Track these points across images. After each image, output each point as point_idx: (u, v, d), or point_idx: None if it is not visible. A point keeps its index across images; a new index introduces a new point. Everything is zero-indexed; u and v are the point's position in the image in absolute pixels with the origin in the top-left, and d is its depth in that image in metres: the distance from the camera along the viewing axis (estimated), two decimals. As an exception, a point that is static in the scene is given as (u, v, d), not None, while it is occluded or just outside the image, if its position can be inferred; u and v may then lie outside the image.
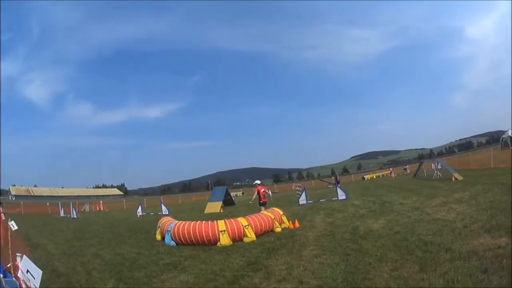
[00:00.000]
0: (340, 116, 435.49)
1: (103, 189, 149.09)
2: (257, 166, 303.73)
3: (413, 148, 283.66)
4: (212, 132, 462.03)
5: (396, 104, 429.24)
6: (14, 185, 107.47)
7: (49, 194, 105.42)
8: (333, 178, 43.02)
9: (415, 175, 32.62)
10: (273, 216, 10.48)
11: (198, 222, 9.50)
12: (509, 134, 43.62)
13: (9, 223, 7.51)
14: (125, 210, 38.01)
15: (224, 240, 8.82)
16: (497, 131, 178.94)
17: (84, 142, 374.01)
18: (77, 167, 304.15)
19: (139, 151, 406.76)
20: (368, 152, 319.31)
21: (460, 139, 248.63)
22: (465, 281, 3.89)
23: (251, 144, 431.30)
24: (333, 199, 18.59)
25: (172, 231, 9.65)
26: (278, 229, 10.17)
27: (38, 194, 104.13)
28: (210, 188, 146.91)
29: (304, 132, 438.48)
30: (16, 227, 7.61)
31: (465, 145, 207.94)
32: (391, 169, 62.73)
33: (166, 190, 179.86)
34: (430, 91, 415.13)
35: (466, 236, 6.05)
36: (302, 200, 18.89)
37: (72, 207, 26.23)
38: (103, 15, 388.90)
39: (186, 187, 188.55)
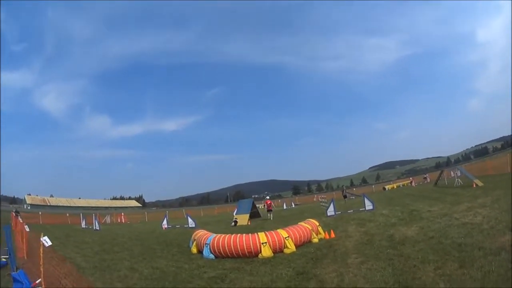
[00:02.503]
0: (358, 126, 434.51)
1: (121, 200, 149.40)
2: (276, 179, 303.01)
3: (430, 156, 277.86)
4: (231, 145, 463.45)
5: (412, 112, 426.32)
6: (30, 194, 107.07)
7: (66, 205, 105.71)
8: (342, 192, 42.95)
9: (436, 183, 32.43)
10: (311, 227, 10.94)
11: (238, 234, 9.53)
12: None
13: (41, 239, 7.04)
14: (147, 222, 37.41)
15: (266, 252, 8.91)
16: None
17: (102, 154, 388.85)
18: (95, 179, 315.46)
19: (157, 164, 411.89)
20: (386, 162, 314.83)
21: (475, 146, 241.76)
22: (498, 271, 4.62)
23: (270, 157, 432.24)
24: (360, 209, 18.94)
25: (211, 244, 9.62)
26: (316, 240, 10.56)
27: (54, 204, 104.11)
28: (229, 201, 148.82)
29: (322, 143, 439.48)
30: (49, 243, 7.13)
31: (481, 151, 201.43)
32: (411, 178, 62.21)
33: (184, 202, 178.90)
34: (444, 98, 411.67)
35: (494, 235, 6.65)
36: (331, 211, 19.28)
37: (95, 218, 25.57)
38: (121, 28, 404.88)
39: (205, 199, 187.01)
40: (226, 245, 9.33)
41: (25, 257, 9.89)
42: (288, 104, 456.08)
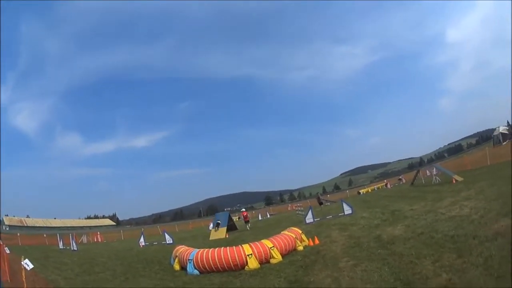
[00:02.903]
0: (327, 133, 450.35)
1: (95, 219, 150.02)
2: (247, 190, 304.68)
3: (402, 158, 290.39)
4: (200, 159, 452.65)
5: (383, 117, 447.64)
6: (7, 215, 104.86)
7: (43, 225, 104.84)
8: (316, 199, 43.61)
9: (412, 183, 33.61)
10: (294, 235, 10.93)
11: (222, 248, 9.57)
12: (500, 130, 45.80)
13: (22, 263, 7.24)
14: (124, 241, 38.18)
15: (252, 263, 8.91)
16: (486, 130, 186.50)
17: (74, 173, 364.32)
18: (68, 198, 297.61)
19: (129, 181, 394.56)
20: (358, 167, 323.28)
21: (448, 144, 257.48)
22: (499, 255, 4.78)
23: (240, 169, 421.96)
24: (339, 214, 19.16)
25: (194, 259, 9.60)
26: (300, 248, 10.61)
27: (31, 225, 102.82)
28: (202, 215, 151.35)
29: (293, 152, 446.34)
30: (31, 266, 7.30)
31: (455, 149, 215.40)
32: (385, 181, 63.82)
33: (158, 219, 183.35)
34: (414, 100, 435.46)
35: (486, 224, 7.00)
36: (309, 218, 19.30)
37: (72, 239, 25.74)
38: (92, 44, 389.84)
39: (178, 215, 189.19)
40: (210, 260, 9.27)
41: (9, 280, 9.96)
42: (257, 116, 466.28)
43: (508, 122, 47.61)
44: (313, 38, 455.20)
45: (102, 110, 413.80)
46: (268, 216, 47.26)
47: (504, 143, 42.23)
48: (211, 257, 9.29)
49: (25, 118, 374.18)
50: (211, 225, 37.46)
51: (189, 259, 9.78)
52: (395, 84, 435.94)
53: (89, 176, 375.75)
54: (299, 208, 31.66)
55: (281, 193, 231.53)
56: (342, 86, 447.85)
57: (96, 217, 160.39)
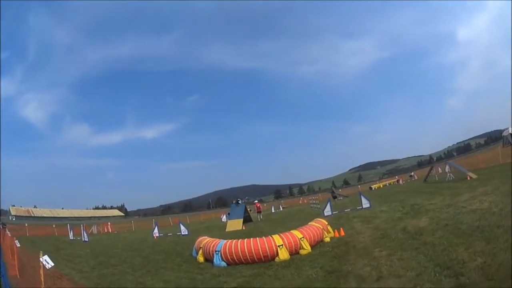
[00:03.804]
0: (336, 129, 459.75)
1: (103, 210, 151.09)
2: (257, 184, 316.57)
3: (411, 155, 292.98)
4: (209, 152, 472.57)
5: (392, 113, 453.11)
6: (14, 206, 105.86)
7: (50, 215, 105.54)
8: (330, 192, 45.02)
9: (425, 180, 34.23)
10: (322, 227, 11.50)
11: (251, 239, 9.51)
12: (510, 131, 46.37)
13: (41, 259, 6.69)
14: (134, 231, 37.93)
15: (283, 254, 8.95)
16: (495, 130, 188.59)
17: (82, 164, 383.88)
18: (76, 188, 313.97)
19: (137, 172, 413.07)
20: (366, 163, 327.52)
21: (457, 143, 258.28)
22: None
23: (250, 162, 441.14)
24: (357, 208, 19.94)
25: (222, 250, 9.48)
26: (327, 239, 11.06)
27: (39, 215, 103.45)
28: (211, 207, 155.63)
29: (302, 147, 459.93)
30: (51, 264, 6.89)
31: (463, 148, 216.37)
32: (397, 177, 64.71)
33: (166, 210, 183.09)
34: (425, 98, 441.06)
35: (507, 215, 7.70)
36: (327, 211, 20.13)
37: (83, 229, 25.88)
38: (101, 35, 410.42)
39: (187, 206, 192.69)
40: (240, 251, 9.21)
41: (18, 276, 9.50)
42: (266, 110, 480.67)
43: None
44: (323, 33, 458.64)
45: (111, 101, 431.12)
46: (281, 209, 48.03)
47: None
48: (240, 248, 9.19)
49: (33, 108, 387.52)
50: (224, 216, 38.58)
51: (216, 251, 9.66)
52: (404, 81, 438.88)
53: (97, 167, 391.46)
54: (313, 201, 32.65)
55: (290, 187, 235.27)
56: (352, 82, 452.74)
57: (104, 207, 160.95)
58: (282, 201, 75.08)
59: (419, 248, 7.34)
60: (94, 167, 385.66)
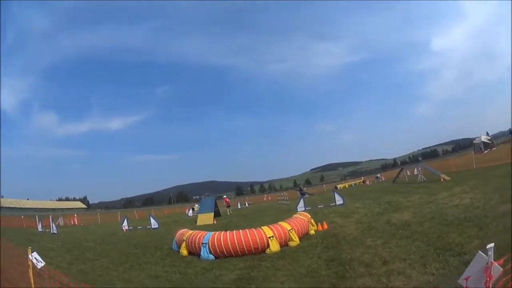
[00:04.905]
0: (300, 128, 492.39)
1: (67, 202, 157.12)
2: (217, 180, 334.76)
3: (374, 158, 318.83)
4: (172, 145, 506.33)
5: (357, 116, 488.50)
6: None
7: (15, 206, 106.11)
8: (298, 189, 47.81)
9: (394, 180, 37.06)
10: (307, 220, 12.39)
11: (241, 230, 9.94)
12: (482, 139, 51.57)
13: (30, 256, 6.39)
14: (102, 224, 39.20)
15: (274, 246, 9.49)
16: (464, 138, 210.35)
17: (48, 153, 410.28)
18: (40, 178, 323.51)
19: (99, 164, 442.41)
20: (328, 164, 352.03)
21: (423, 148, 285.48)
22: None
23: (212, 158, 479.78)
24: (331, 204, 21.36)
25: (210, 243, 9.79)
26: (312, 232, 12.00)
27: (5, 206, 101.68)
28: (172, 202, 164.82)
29: (264, 144, 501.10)
30: (42, 263, 6.50)
31: (430, 154, 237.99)
32: (362, 177, 68.58)
33: (128, 203, 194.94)
34: (393, 102, 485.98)
35: (492, 208, 9.19)
36: (301, 207, 21.41)
37: (52, 221, 26.69)
38: (74, 23, 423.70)
39: (149, 200, 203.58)
40: (229, 243, 9.57)
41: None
42: (233, 105, 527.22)
43: (487, 133, 54.71)
44: (295, 33, 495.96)
45: (78, 90, 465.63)
46: (247, 205, 50.42)
47: (486, 151, 48.30)
48: (230, 240, 9.55)
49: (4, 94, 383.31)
50: (190, 211, 41.37)
51: (203, 243, 9.92)
52: (373, 85, 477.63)
53: (61, 157, 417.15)
54: (282, 198, 34.12)
55: (251, 184, 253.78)
56: (320, 82, 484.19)
57: (67, 199, 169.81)
58: (246, 197, 77.18)
59: (412, 236, 8.45)
60: (58, 156, 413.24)
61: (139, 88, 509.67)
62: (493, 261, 2.83)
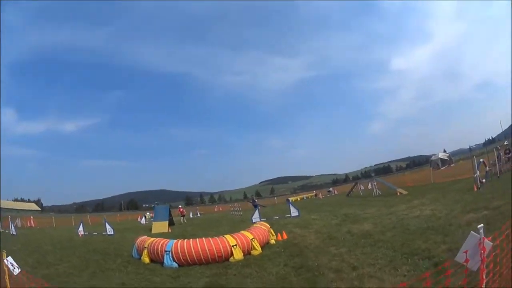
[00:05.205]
0: (251, 141, 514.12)
1: (22, 203, 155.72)
2: (166, 189, 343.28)
3: (325, 173, 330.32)
4: (123, 152, 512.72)
5: (308, 131, 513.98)
6: None
7: None
8: (250, 201, 48.77)
9: (348, 194, 38.28)
10: (267, 229, 12.47)
11: (204, 239, 10.06)
12: (440, 156, 55.20)
13: (5, 261, 6.08)
14: (57, 228, 38.93)
15: (238, 254, 9.64)
16: (418, 155, 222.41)
17: (4, 151, 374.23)
18: None
19: (53, 166, 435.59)
20: (278, 177, 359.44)
21: (376, 164, 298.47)
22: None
23: (162, 166, 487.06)
24: (286, 216, 21.62)
25: (173, 250, 9.84)
26: (273, 241, 12.10)
27: None
28: (123, 209, 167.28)
29: (215, 155, 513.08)
30: (18, 270, 6.14)
31: (383, 169, 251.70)
32: (314, 191, 70.20)
33: (80, 208, 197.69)
34: (347, 119, 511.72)
35: (455, 217, 9.76)
36: (256, 218, 21.45)
37: (11, 222, 27.26)
38: (39, 18, 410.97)
39: (99, 206, 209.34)
40: (193, 251, 9.70)
41: None
42: (185, 114, 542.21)
43: (444, 150, 59.88)
44: (253, 46, 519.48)
45: (38, 88, 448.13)
46: (199, 215, 50.93)
47: (443, 167, 52.18)
48: (193, 248, 9.68)
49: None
50: (143, 219, 42.80)
51: (166, 251, 9.99)
52: (327, 101, 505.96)
53: (18, 156, 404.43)
54: (235, 208, 34.21)
55: (201, 195, 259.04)
56: (274, 96, 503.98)
57: (22, 200, 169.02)
58: (197, 207, 77.42)
59: (376, 244, 8.77)
60: (14, 155, 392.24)
61: (94, 91, 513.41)
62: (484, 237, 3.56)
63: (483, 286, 3.58)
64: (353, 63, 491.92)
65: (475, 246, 3.54)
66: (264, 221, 20.78)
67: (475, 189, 16.33)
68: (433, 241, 7.61)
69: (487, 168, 21.36)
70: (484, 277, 3.56)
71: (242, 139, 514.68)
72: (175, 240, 10.35)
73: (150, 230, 23.74)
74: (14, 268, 6.00)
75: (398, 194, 24.79)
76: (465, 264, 3.52)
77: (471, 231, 3.68)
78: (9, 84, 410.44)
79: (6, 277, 5.85)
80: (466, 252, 3.51)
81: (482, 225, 3.67)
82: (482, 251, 3.52)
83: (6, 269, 6.03)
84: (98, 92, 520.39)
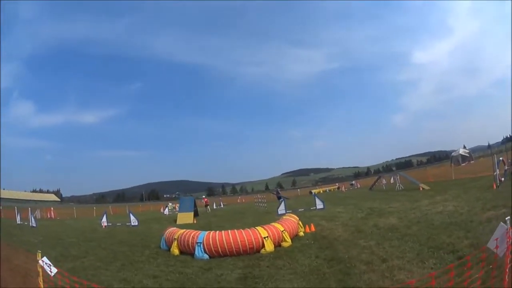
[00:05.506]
0: (273, 132, 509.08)
1: (41, 194, 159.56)
2: (188, 179, 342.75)
3: (347, 166, 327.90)
4: (145, 142, 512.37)
5: (331, 122, 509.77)
6: None
7: None
8: (274, 193, 49.52)
9: (371, 188, 38.69)
10: (296, 221, 13.05)
11: (236, 230, 10.32)
12: (460, 152, 55.05)
13: (41, 261, 5.86)
14: (79, 219, 39.56)
15: (269, 246, 9.97)
16: (439, 150, 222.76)
17: (23, 143, 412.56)
18: (14, 168, 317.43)
19: (73, 157, 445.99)
20: (300, 169, 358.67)
21: (397, 158, 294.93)
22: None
23: (184, 157, 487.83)
24: (311, 208, 22.31)
25: (205, 242, 10.08)
26: (301, 233, 12.69)
27: None
28: (144, 199, 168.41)
29: (237, 146, 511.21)
30: (55, 270, 5.95)
31: (404, 164, 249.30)
32: (337, 184, 70.70)
33: (100, 198, 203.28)
34: (368, 111, 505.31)
35: (476, 214, 10.33)
36: (281, 210, 22.18)
37: (31, 214, 26.82)
38: (57, 11, 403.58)
39: (120, 197, 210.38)
40: (224, 243, 9.95)
41: None
42: (207, 105, 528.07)
43: (464, 146, 59.28)
44: (274, 37, 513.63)
45: (56, 81, 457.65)
46: (222, 206, 51.48)
47: (463, 164, 52.12)
48: (225, 239, 9.93)
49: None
50: (166, 209, 43.61)
51: (197, 242, 10.18)
52: (350, 94, 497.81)
53: (37, 148, 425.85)
54: (259, 200, 34.94)
55: (223, 186, 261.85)
56: (296, 87, 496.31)
57: (41, 191, 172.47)
58: (220, 198, 79.12)
59: (403, 238, 9.33)
60: (33, 147, 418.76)
61: (115, 83, 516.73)
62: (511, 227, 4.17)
63: (507, 269, 4.18)
64: (375, 55, 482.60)
65: (503, 235, 4.16)
66: (289, 213, 21.66)
67: (495, 187, 16.74)
68: (456, 236, 8.22)
69: (506, 167, 21.60)
70: (508, 262, 4.17)
71: (263, 131, 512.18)
72: (206, 232, 10.59)
73: (175, 221, 24.21)
74: (51, 268, 5.81)
75: (421, 189, 25.10)
76: (495, 250, 4.15)
77: (500, 222, 4.29)
78: (27, 77, 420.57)
79: (40, 278, 5.71)
80: (496, 239, 4.15)
81: (509, 217, 4.25)
82: (508, 239, 4.15)
83: (40, 270, 5.84)
84: (117, 84, 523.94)
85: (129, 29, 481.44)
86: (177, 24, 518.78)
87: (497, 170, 18.39)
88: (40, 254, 5.89)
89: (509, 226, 4.18)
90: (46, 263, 5.69)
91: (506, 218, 4.21)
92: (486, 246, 4.33)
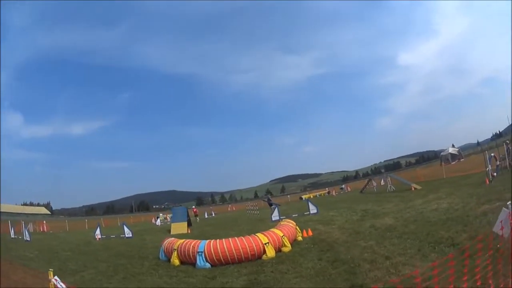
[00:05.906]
0: (260, 139, 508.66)
1: (31, 207, 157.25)
2: (177, 189, 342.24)
3: (335, 170, 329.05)
4: (132, 153, 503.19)
5: (317, 128, 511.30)
6: None
7: None
8: (265, 200, 49.85)
9: (361, 191, 39.14)
10: (294, 226, 13.18)
11: (237, 238, 10.39)
12: (450, 151, 56.09)
13: (53, 280, 5.80)
14: (71, 232, 39.48)
15: (270, 252, 10.03)
16: (428, 151, 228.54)
17: (12, 155, 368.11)
18: (4, 181, 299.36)
19: (61, 169, 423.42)
20: (288, 176, 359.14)
21: (385, 160, 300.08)
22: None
23: (172, 167, 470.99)
24: (305, 213, 22.44)
25: (206, 251, 10.05)
26: (300, 238, 12.76)
27: None
28: (133, 211, 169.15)
29: (224, 154, 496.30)
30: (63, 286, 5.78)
31: (393, 166, 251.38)
32: (327, 188, 71.26)
33: (90, 211, 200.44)
34: (355, 115, 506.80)
35: (471, 209, 10.63)
36: (275, 216, 22.22)
37: (24, 227, 26.72)
38: (48, 21, 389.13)
39: (110, 208, 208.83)
40: (226, 251, 9.97)
41: None
42: (192, 115, 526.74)
43: (453, 145, 60.10)
44: (260, 44, 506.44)
45: (45, 91, 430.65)
46: (213, 214, 51.93)
47: (453, 162, 53.46)
48: (227, 247, 9.96)
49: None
50: (158, 220, 44.17)
51: (198, 251, 10.12)
52: (336, 98, 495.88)
53: (26, 160, 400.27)
54: (251, 207, 35.14)
55: (212, 194, 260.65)
56: (281, 94, 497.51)
57: (31, 204, 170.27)
58: (211, 207, 78.70)
59: (402, 236, 9.55)
60: (22, 159, 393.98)
61: (101, 93, 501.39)
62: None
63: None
64: (361, 59, 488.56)
65: (506, 218, 4.62)
66: (283, 218, 21.78)
67: (487, 183, 17.18)
68: (455, 231, 8.49)
69: (498, 162, 22.22)
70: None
71: (251, 138, 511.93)
72: (207, 241, 10.52)
73: (168, 231, 24.43)
74: (60, 285, 5.70)
75: (413, 189, 25.47)
76: (500, 232, 4.55)
77: (503, 207, 4.70)
78: (16, 87, 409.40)
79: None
80: (501, 221, 4.62)
81: (510, 202, 4.66)
82: (511, 221, 4.57)
83: (51, 285, 5.79)
84: (105, 94, 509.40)
85: (118, 39, 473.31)
86: (165, 33, 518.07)
87: (489, 166, 18.92)
88: (51, 273, 5.86)
89: (510, 210, 4.57)
90: (59, 283, 5.60)
91: (508, 203, 4.61)
92: (492, 230, 4.73)
